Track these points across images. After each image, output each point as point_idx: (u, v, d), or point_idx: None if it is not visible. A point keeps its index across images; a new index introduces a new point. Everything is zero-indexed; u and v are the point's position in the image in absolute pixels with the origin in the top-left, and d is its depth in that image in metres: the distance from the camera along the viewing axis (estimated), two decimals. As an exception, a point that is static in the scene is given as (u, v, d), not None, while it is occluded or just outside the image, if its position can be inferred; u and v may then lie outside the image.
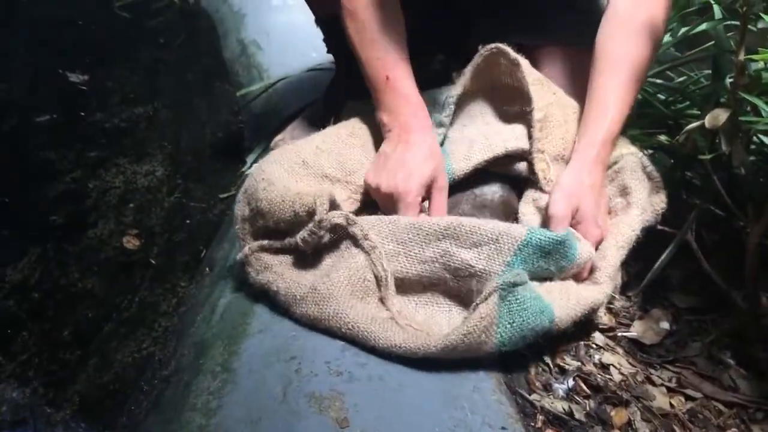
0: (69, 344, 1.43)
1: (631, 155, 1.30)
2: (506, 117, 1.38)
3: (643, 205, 1.24)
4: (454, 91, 1.37)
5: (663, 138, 1.54)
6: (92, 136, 2.17)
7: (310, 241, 1.11)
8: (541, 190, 1.29)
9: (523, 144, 1.31)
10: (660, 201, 1.27)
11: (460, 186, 1.32)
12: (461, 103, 1.40)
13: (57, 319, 1.49)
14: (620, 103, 1.24)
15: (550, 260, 1.10)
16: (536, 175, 1.29)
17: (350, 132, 1.35)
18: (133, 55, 2.79)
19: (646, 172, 1.28)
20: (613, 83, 1.25)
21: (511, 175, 1.35)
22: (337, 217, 1.11)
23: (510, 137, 1.32)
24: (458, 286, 1.12)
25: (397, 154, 1.23)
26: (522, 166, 1.34)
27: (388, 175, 1.22)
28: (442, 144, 1.33)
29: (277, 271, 1.15)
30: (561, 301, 1.08)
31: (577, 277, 1.18)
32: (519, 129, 1.34)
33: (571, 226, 1.18)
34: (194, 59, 2.81)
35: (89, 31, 2.97)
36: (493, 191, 1.33)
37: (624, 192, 1.26)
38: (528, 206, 1.29)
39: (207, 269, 1.58)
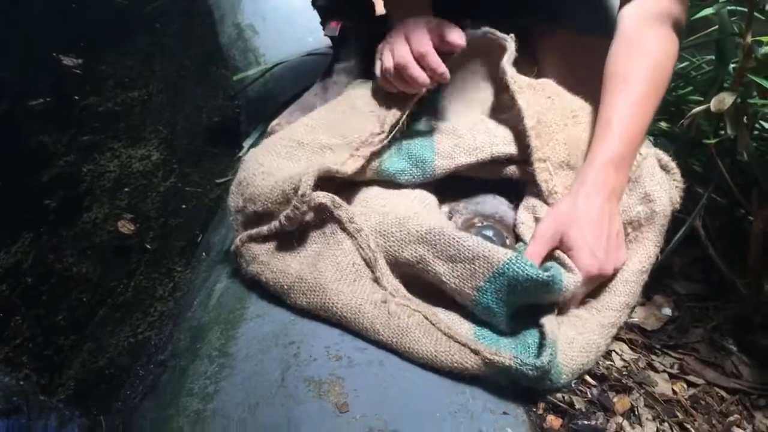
0: (63, 329, 1.41)
1: (645, 159, 1.21)
2: (499, 115, 1.33)
3: (666, 212, 1.17)
4: None
5: (664, 124, 1.53)
6: (86, 120, 2.14)
7: (293, 217, 1.08)
8: (544, 200, 1.20)
9: (512, 149, 1.25)
10: (677, 197, 1.21)
11: (457, 187, 1.29)
12: (459, 84, 1.37)
13: (51, 303, 1.47)
14: (625, 122, 1.15)
15: (529, 295, 1.01)
16: (539, 186, 1.21)
17: (333, 107, 1.34)
18: (127, 39, 2.76)
19: (662, 165, 1.22)
20: (619, 102, 1.17)
21: (501, 178, 1.28)
22: (322, 197, 1.08)
23: (499, 140, 1.26)
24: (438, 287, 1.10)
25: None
26: (513, 169, 1.27)
27: (394, 42, 1.22)
28: (430, 134, 1.30)
29: (264, 261, 1.14)
30: (567, 352, 1.02)
31: (570, 302, 1.10)
32: (507, 132, 1.28)
33: (564, 252, 1.09)
34: (190, 44, 2.78)
35: (83, 15, 2.94)
36: (495, 208, 1.27)
37: (646, 199, 1.17)
38: (527, 214, 1.21)
39: (203, 254, 1.57)
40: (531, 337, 1.03)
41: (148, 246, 1.66)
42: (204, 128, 2.20)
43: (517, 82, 1.26)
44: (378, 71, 1.26)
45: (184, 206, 1.80)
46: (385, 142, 1.25)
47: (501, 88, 1.31)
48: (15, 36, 2.69)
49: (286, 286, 1.10)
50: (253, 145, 1.88)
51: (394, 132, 1.26)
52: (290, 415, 0.92)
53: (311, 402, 0.94)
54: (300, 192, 1.06)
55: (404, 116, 1.27)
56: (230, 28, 2.74)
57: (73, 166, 1.91)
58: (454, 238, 1.04)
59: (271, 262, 1.13)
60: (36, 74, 2.45)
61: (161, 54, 2.68)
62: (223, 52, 2.63)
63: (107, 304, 1.48)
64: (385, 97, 1.32)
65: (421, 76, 1.18)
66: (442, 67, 1.17)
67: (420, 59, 1.18)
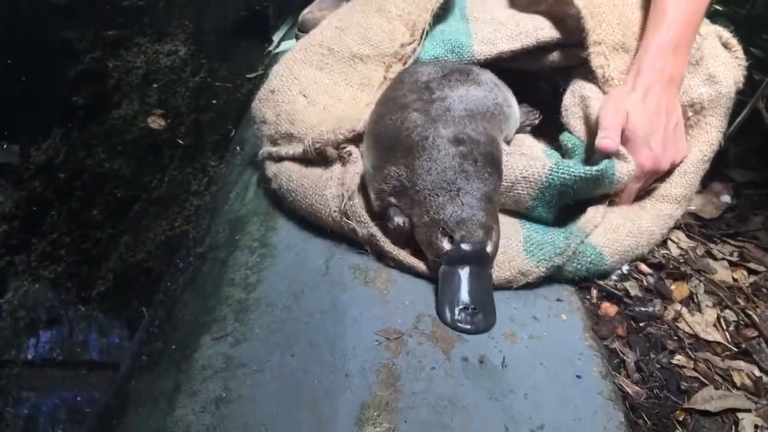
0: (99, 223, 1.40)
1: (706, 39, 1.13)
2: (530, 8, 1.24)
3: (731, 94, 1.10)
4: None
5: (720, 7, 1.43)
6: (110, 14, 2.07)
7: (320, 152, 1.08)
8: (600, 87, 1.12)
9: (557, 34, 1.17)
10: (740, 76, 1.12)
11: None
12: None
13: (85, 199, 1.45)
14: (682, 3, 1.07)
15: (580, 192, 0.98)
16: (594, 73, 1.13)
17: (364, 4, 1.28)
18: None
19: (723, 42, 1.14)
20: None
21: (544, 69, 1.22)
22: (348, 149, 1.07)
23: (544, 25, 1.18)
24: None
25: None
26: (556, 55, 1.20)
27: None
28: (466, 21, 1.23)
29: (290, 176, 1.10)
30: (609, 236, 0.99)
31: (624, 197, 1.05)
32: (546, 20, 1.20)
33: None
34: (213, -64, 2.67)
35: None
36: None
37: (711, 81, 1.10)
38: (573, 99, 1.14)
39: (237, 148, 1.53)
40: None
41: (181, 141, 1.62)
42: (231, 22, 2.13)
43: None
44: None
45: (214, 101, 1.76)
46: (418, 49, 1.20)
47: None
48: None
49: (306, 212, 1.07)
50: (283, 39, 1.82)
51: (423, 37, 1.21)
52: (337, 301, 0.90)
53: (358, 288, 0.92)
54: (333, 138, 1.06)
55: (431, 14, 1.20)
56: None
57: (99, 63, 1.86)
58: None
59: (291, 184, 1.10)
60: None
61: (183, -53, 2.58)
62: (247, -56, 2.52)
63: (142, 199, 1.46)
64: None
65: None
66: None
67: None
